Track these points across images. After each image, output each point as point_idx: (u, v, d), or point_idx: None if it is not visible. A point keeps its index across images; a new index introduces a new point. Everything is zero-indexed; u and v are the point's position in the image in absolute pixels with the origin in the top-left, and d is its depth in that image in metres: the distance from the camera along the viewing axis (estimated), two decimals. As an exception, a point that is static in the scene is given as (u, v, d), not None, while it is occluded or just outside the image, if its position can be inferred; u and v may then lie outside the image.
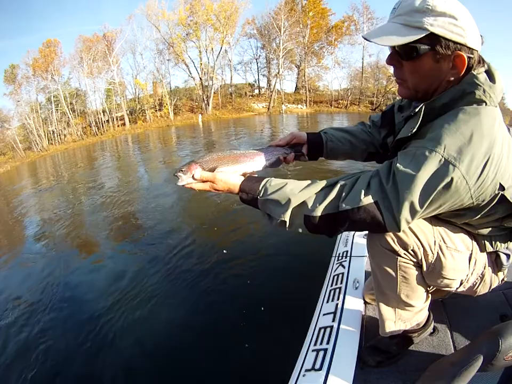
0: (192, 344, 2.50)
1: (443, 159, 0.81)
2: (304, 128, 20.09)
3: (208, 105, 34.87)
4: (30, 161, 25.53)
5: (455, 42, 0.87)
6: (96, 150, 21.77)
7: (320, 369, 1.33)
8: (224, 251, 3.86)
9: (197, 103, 36.33)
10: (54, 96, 31.23)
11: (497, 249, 1.10)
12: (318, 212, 0.93)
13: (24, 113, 30.44)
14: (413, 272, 1.11)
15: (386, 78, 34.98)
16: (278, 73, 36.59)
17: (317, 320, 1.70)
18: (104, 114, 32.88)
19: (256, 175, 1.17)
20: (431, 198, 0.83)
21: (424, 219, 1.03)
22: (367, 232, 1.14)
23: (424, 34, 0.87)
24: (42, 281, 4.18)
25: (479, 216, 0.95)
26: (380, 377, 1.33)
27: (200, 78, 35.10)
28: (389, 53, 1.00)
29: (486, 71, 0.94)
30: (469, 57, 0.89)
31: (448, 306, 1.60)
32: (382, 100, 35.24)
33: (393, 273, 1.12)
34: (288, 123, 24.06)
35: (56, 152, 26.38)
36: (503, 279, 1.22)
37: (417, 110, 0.97)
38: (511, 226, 1.03)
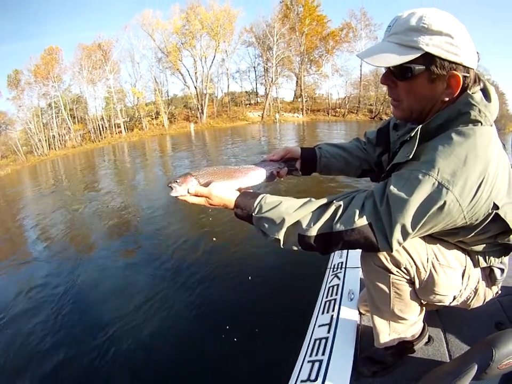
0: (188, 356, 2.46)
1: (436, 183, 0.79)
2: (291, 137, 20.30)
3: (203, 114, 34.61)
4: (31, 165, 25.39)
5: (450, 62, 0.84)
6: (94, 156, 21.82)
7: (315, 380, 1.31)
8: (220, 261, 3.84)
9: (192, 112, 36.04)
10: (54, 102, 31.08)
11: (491, 264, 1.08)
12: (312, 231, 0.91)
13: (26, 118, 30.29)
14: (405, 289, 1.09)
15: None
16: (272, 81, 36.09)
17: (312, 332, 1.67)
18: (104, 121, 32.77)
19: (251, 191, 1.13)
20: (423, 221, 0.82)
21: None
22: None
23: (419, 54, 0.84)
24: (45, 282, 4.18)
25: (473, 234, 0.93)
26: None
27: (195, 87, 35.00)
28: (384, 71, 0.97)
29: (481, 89, 0.91)
30: (464, 77, 0.87)
31: (443, 315, 1.58)
32: (381, 107, 34.46)
33: (386, 290, 1.11)
34: (281, 133, 23.76)
35: (56, 157, 26.30)
36: (497, 292, 1.19)
37: (413, 134, 0.94)
38: (505, 242, 1.00)
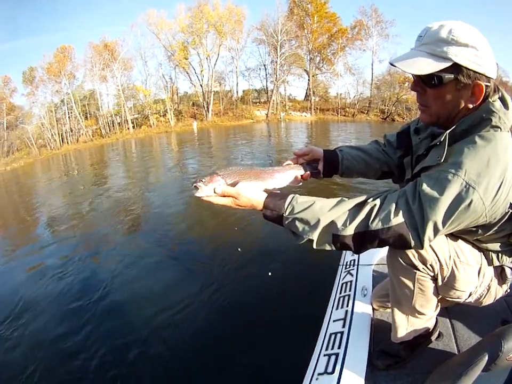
0: (205, 348, 2.48)
1: (464, 183, 0.84)
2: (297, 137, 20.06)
3: (208, 112, 34.21)
4: (43, 158, 25.50)
5: (475, 72, 0.89)
6: (104, 151, 21.98)
7: (332, 372, 1.31)
8: (234, 257, 3.83)
9: (199, 110, 35.60)
10: (67, 99, 31.06)
11: (503, 263, 1.12)
12: (348, 231, 0.91)
13: (40, 113, 30.37)
14: (429, 285, 1.13)
15: (398, 85, 32.03)
16: (276, 79, 35.12)
17: (327, 326, 1.67)
18: (114, 118, 32.66)
19: (279, 191, 1.11)
20: (452, 218, 0.85)
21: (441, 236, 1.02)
22: None
23: (449, 64, 0.88)
24: (57, 272, 4.20)
25: (489, 233, 0.98)
26: (388, 380, 1.32)
27: (201, 85, 34.60)
28: (413, 79, 1.00)
29: (499, 98, 0.95)
30: (486, 86, 0.91)
31: (452, 313, 1.59)
32: (394, 108, 32.60)
33: (411, 286, 1.13)
34: (278, 132, 23.43)
35: (68, 152, 26.35)
36: (506, 290, 1.22)
37: (442, 139, 0.97)
38: None
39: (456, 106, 0.96)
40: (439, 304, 1.27)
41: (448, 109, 0.97)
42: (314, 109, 36.14)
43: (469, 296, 1.15)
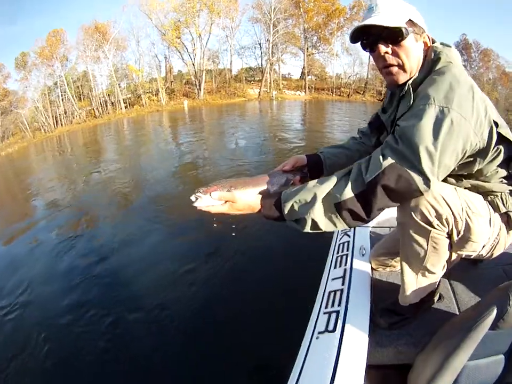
0: (208, 304, 2.60)
1: (437, 107, 0.87)
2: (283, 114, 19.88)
3: (200, 90, 33.42)
4: (37, 141, 25.04)
5: (421, 27, 1.03)
6: (97, 131, 21.83)
7: (333, 330, 1.23)
8: (234, 226, 3.80)
9: (191, 88, 34.74)
10: (60, 81, 30.37)
11: (508, 208, 1.10)
12: (347, 194, 0.91)
13: (34, 97, 29.64)
14: (443, 243, 1.08)
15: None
16: (269, 58, 34.32)
17: (326, 285, 1.59)
18: (107, 98, 31.96)
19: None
20: (442, 141, 0.85)
21: (448, 187, 1.02)
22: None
23: (407, 20, 0.99)
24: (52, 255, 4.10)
25: (487, 159, 0.98)
26: (391, 340, 1.26)
27: (193, 64, 33.65)
28: (379, 48, 1.03)
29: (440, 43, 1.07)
30: (428, 37, 1.05)
31: (451, 276, 1.54)
32: None
33: (424, 244, 1.09)
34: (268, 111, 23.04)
35: (62, 133, 25.96)
36: None
37: (406, 88, 1.03)
38: None
39: (419, 58, 1.04)
40: (446, 264, 1.23)
41: (415, 61, 1.04)
42: (309, 88, 35.53)
43: (482, 248, 1.12)
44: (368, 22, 0.99)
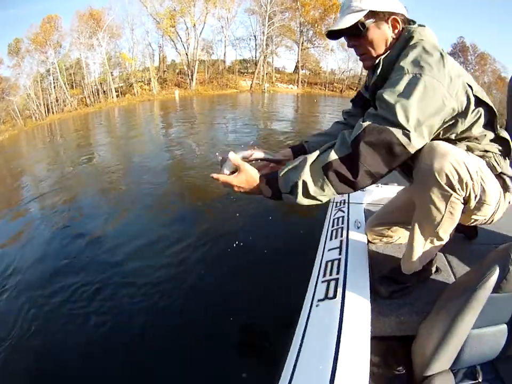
0: (207, 279, 2.65)
1: (410, 75, 0.94)
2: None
3: (192, 81, 33.04)
4: (28, 129, 24.60)
5: (387, 12, 1.08)
6: (88, 120, 21.77)
7: (334, 297, 1.19)
8: (237, 214, 3.82)
9: (184, 78, 34.33)
10: (52, 68, 29.73)
11: (502, 169, 1.12)
12: (332, 156, 0.96)
13: (26, 84, 28.92)
14: (458, 208, 1.07)
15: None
16: (263, 50, 34.12)
17: (322, 256, 1.56)
18: (99, 86, 31.44)
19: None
20: (416, 99, 0.90)
21: (463, 151, 1.03)
22: None
23: (366, 13, 1.07)
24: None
25: (469, 120, 1.03)
26: (393, 309, 1.24)
27: (186, 54, 33.22)
28: (347, 41, 1.18)
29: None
30: (400, 18, 1.10)
31: (447, 251, 1.54)
32: None
33: (442, 209, 1.07)
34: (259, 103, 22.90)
35: (53, 121, 25.52)
36: (509, 201, 1.19)
37: (377, 62, 1.13)
38: (505, 138, 1.12)
39: (386, 41, 1.12)
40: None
41: (381, 46, 1.12)
42: (301, 82, 35.46)
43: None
44: (331, 28, 1.13)
